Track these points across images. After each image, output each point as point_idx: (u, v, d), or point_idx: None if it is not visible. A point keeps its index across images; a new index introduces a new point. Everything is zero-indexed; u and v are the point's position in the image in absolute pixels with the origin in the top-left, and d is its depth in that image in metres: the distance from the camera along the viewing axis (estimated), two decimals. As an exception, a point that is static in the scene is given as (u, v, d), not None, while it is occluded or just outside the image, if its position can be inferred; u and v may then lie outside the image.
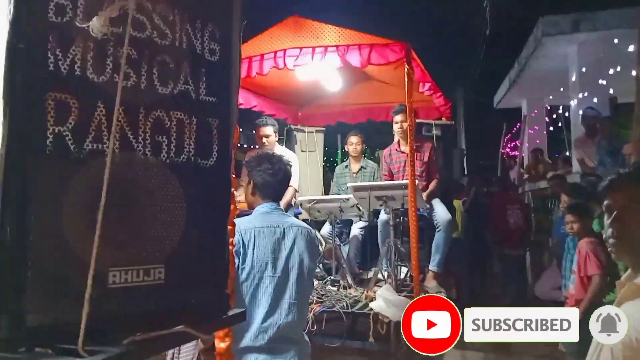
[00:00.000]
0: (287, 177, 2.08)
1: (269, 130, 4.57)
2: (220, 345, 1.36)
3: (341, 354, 4.34)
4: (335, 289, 4.01)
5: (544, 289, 5.18)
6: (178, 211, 0.95)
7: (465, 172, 13.86)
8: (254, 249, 1.84)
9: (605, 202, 1.28)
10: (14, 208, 0.77)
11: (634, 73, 5.47)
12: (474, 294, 6.34)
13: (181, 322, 0.91)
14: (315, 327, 3.65)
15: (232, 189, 1.48)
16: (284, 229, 1.97)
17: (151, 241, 0.91)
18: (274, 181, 2.02)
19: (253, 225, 1.87)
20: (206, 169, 1.00)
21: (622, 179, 1.26)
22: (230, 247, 1.34)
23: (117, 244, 0.87)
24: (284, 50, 3.70)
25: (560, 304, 4.47)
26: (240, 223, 1.85)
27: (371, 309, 3.52)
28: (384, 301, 3.39)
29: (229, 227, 1.22)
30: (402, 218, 4.17)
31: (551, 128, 10.20)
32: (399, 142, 4.68)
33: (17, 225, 0.77)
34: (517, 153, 10.84)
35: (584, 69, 6.71)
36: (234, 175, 1.37)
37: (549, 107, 10.04)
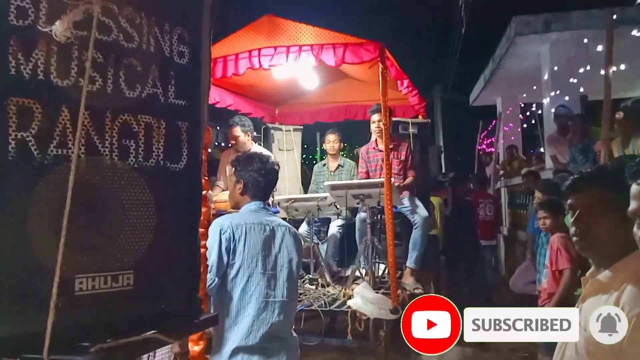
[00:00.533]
0: (276, 178, 2.10)
1: (236, 131, 4.55)
2: (195, 348, 1.36)
3: (320, 352, 4.35)
4: (313, 287, 4.02)
5: (518, 284, 5.28)
6: (147, 216, 0.94)
7: (443, 169, 14.05)
8: (244, 244, 1.84)
9: (569, 201, 1.32)
10: (-25, 216, 0.75)
11: (602, 72, 5.62)
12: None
13: (152, 328, 0.90)
14: (294, 326, 3.66)
15: (205, 192, 1.48)
16: (272, 227, 1.97)
17: (119, 247, 0.90)
18: (264, 181, 2.02)
19: (244, 222, 1.87)
20: (176, 172, 1.00)
21: (583, 180, 1.30)
22: (203, 250, 1.33)
23: (84, 251, 0.86)
24: (259, 50, 3.68)
25: (534, 298, 4.57)
26: (232, 219, 1.85)
27: (349, 307, 3.54)
28: (361, 299, 3.42)
29: (201, 231, 1.21)
30: (379, 216, 4.20)
31: (525, 125, 10.39)
32: (376, 140, 4.71)
33: (-22, 234, 0.75)
34: (492, 150, 11.01)
35: (555, 68, 6.85)
36: (206, 178, 1.36)
37: (522, 105, 10.23)
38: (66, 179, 0.82)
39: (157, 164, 0.96)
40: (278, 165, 2.12)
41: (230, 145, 5.36)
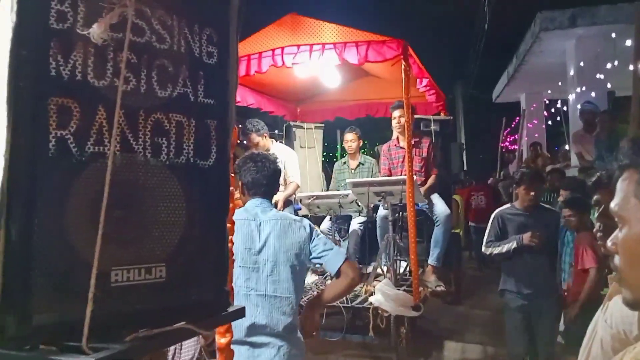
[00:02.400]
0: (276, 172, 2.13)
1: (253, 138, 4.64)
2: (221, 340, 1.39)
3: (341, 348, 4.38)
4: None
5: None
6: (178, 211, 0.98)
7: (465, 167, 13.91)
8: None
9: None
10: (19, 211, 0.79)
11: (631, 68, 5.49)
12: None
13: (182, 319, 0.94)
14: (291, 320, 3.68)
15: (232, 188, 1.51)
16: (260, 222, 2.00)
17: (152, 240, 0.93)
18: (260, 177, 2.07)
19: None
20: (205, 169, 1.03)
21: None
22: (230, 245, 1.36)
23: (119, 244, 0.89)
24: (282, 48, 3.71)
25: (560, 297, 4.51)
26: None
27: (371, 304, 3.55)
28: (383, 295, 3.43)
29: (229, 225, 1.25)
30: (400, 213, 4.20)
31: (550, 122, 10.23)
32: (397, 137, 4.71)
33: (22, 227, 0.79)
34: (516, 147, 10.85)
35: (581, 64, 6.72)
36: (232, 175, 1.39)
37: (547, 102, 10.07)
38: (102, 175, 0.85)
39: (187, 160, 0.99)
40: (277, 160, 2.16)
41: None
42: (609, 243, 0.82)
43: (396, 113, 4.47)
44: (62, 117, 0.84)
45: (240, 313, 1.10)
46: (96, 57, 0.88)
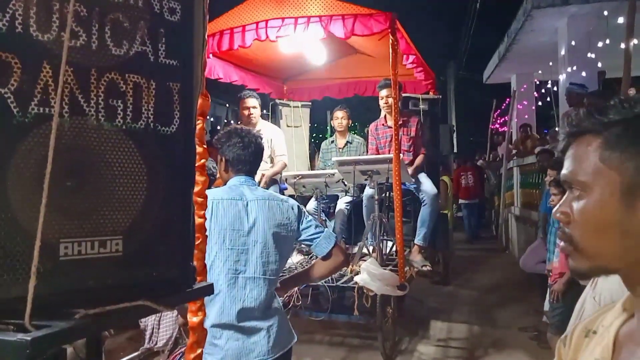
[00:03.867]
0: (260, 149, 2.03)
1: (253, 101, 4.49)
2: (193, 319, 1.32)
3: (326, 328, 4.38)
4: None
5: (529, 263, 5.23)
6: (137, 180, 0.90)
7: (455, 149, 13.90)
8: (210, 221, 1.79)
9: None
10: (-48, 176, 0.72)
11: (622, 46, 5.43)
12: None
13: (142, 296, 0.87)
14: (300, 301, 3.66)
15: (204, 160, 1.43)
16: (247, 202, 1.90)
17: (107, 212, 0.86)
18: (245, 154, 1.96)
19: (213, 197, 1.82)
20: (167, 135, 0.95)
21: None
22: (201, 220, 1.29)
23: (70, 215, 0.82)
24: (266, 21, 3.60)
25: (544, 277, 4.53)
26: (208, 194, 1.79)
27: (356, 283, 3.52)
28: (368, 275, 3.40)
29: (200, 200, 1.17)
30: (387, 193, 4.15)
31: (540, 103, 10.20)
32: (385, 117, 4.64)
33: (-44, 194, 0.72)
34: (506, 128, 10.85)
35: (573, 43, 6.66)
36: (204, 146, 1.32)
37: (538, 82, 10.03)
38: (49, 139, 0.77)
39: (146, 126, 0.91)
40: (260, 137, 2.06)
41: (238, 123, 5.30)
42: (557, 214, 0.77)
43: (383, 92, 4.39)
44: (1, 73, 0.76)
45: (208, 290, 1.04)
46: (39, 7, 0.79)
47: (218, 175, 2.39)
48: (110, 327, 0.79)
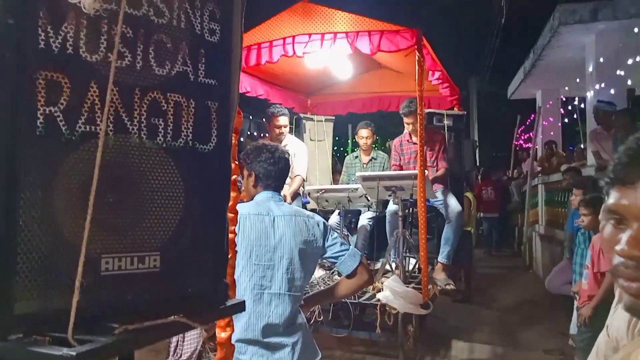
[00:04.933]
0: (288, 165, 2.05)
1: (284, 120, 4.54)
2: (222, 335, 1.34)
3: (348, 344, 4.33)
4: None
5: (554, 283, 5.12)
6: (175, 197, 0.92)
7: (477, 164, 13.77)
8: (238, 236, 1.80)
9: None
10: (3, 191, 0.74)
11: (653, 63, 5.33)
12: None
13: (177, 311, 0.88)
14: (322, 317, 3.64)
15: (236, 176, 1.45)
16: (274, 217, 1.91)
17: (146, 228, 0.88)
18: (275, 170, 1.98)
19: (241, 212, 1.83)
20: (205, 153, 0.97)
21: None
22: (232, 235, 1.31)
23: (111, 230, 0.84)
24: (293, 37, 3.64)
25: (570, 299, 4.42)
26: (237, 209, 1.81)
27: (378, 300, 3.49)
28: (391, 292, 3.36)
29: (230, 215, 1.19)
30: (411, 209, 4.12)
31: (566, 120, 10.03)
32: (409, 133, 4.63)
33: (6, 209, 0.74)
34: (530, 145, 10.70)
35: (601, 59, 6.55)
36: (236, 162, 1.34)
37: (564, 99, 9.86)
38: (94, 156, 0.79)
39: (185, 144, 0.93)
40: (287, 153, 2.08)
41: (265, 135, 5.34)
42: (617, 248, 0.71)
43: (408, 119, 4.37)
44: (51, 92, 0.78)
45: (240, 307, 1.05)
46: (89, 29, 0.82)
47: (243, 189, 2.42)
48: (149, 343, 0.80)
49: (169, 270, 0.89)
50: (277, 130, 4.56)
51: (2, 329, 0.73)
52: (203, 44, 0.97)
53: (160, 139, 0.90)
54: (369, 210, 4.65)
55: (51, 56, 0.78)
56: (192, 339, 2.22)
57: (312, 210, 4.46)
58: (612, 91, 6.39)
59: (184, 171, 0.93)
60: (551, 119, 9.81)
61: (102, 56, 0.83)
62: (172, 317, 0.85)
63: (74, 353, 0.67)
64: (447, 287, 4.12)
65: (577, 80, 7.75)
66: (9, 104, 0.75)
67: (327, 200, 4.42)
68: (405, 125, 4.47)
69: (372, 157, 5.10)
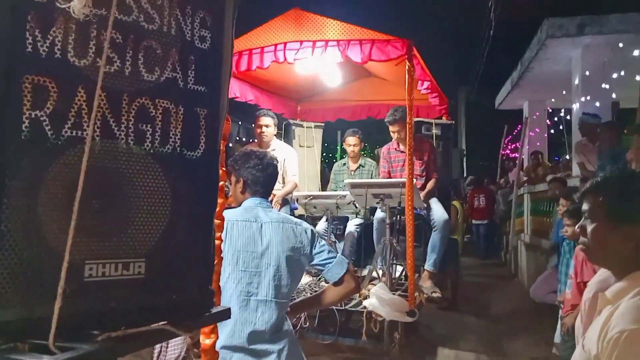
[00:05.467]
0: (276, 172, 2.05)
1: (267, 120, 4.54)
2: (206, 341, 1.33)
3: (333, 351, 4.32)
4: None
5: (539, 293, 5.16)
6: (161, 203, 0.92)
7: (465, 173, 13.88)
8: (225, 241, 1.80)
9: (582, 207, 1.29)
10: (-14, 195, 0.73)
11: (638, 78, 5.43)
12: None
13: (162, 318, 0.88)
14: (307, 324, 3.63)
15: (223, 182, 1.45)
16: (261, 224, 1.90)
17: (132, 234, 0.87)
18: (263, 176, 1.98)
19: (228, 218, 1.83)
20: (192, 160, 0.96)
21: (592, 186, 1.27)
22: (218, 242, 1.30)
23: (95, 236, 0.83)
24: (285, 44, 3.65)
25: (554, 307, 4.46)
26: (225, 214, 1.80)
27: (365, 307, 3.49)
28: (377, 300, 3.37)
29: (217, 221, 1.18)
30: (398, 216, 4.14)
31: (552, 131, 10.16)
32: (397, 141, 4.65)
33: (-12, 213, 0.73)
34: (517, 155, 10.82)
35: (587, 73, 6.66)
36: (223, 169, 1.33)
37: (550, 110, 10.00)
38: (80, 162, 0.79)
39: (173, 150, 0.93)
40: (276, 159, 2.09)
41: (253, 140, 5.34)
42: (576, 228, 1.26)
43: (393, 128, 4.38)
44: (37, 97, 0.78)
45: (225, 314, 1.04)
46: (77, 34, 0.81)
47: (231, 195, 2.40)
48: (132, 350, 0.79)
49: (154, 277, 0.89)
50: (259, 130, 4.58)
51: (-19, 336, 0.72)
52: (193, 50, 0.97)
53: (147, 145, 0.90)
54: (356, 217, 4.66)
55: (38, 60, 0.78)
56: (176, 346, 2.20)
57: (300, 216, 4.45)
58: (598, 104, 6.50)
59: (171, 177, 0.92)
60: (538, 130, 9.94)
61: (90, 61, 0.83)
62: (157, 324, 0.85)
63: (54, 361, 0.66)
64: (434, 294, 4.14)
65: (564, 92, 7.87)
66: (-6, 108, 0.74)
67: (315, 207, 4.42)
68: (391, 133, 4.48)
69: (360, 165, 5.12)
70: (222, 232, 1.43)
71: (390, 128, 4.42)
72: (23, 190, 0.76)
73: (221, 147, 1.18)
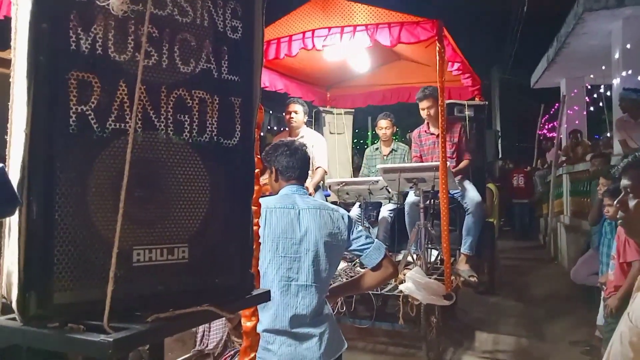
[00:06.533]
0: (306, 156, 2.08)
1: (296, 107, 4.59)
2: (247, 324, 1.37)
3: (370, 335, 4.36)
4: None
5: (580, 274, 5.03)
6: (201, 190, 0.95)
7: (500, 155, 13.60)
8: (264, 228, 1.84)
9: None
10: (40, 187, 0.78)
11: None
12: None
13: (205, 301, 0.91)
14: (344, 309, 3.67)
15: (257, 170, 1.48)
16: (299, 210, 1.94)
17: (175, 220, 0.91)
18: (293, 160, 2.02)
19: (266, 205, 1.87)
20: (229, 148, 0.99)
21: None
22: (256, 228, 1.33)
23: (141, 223, 0.87)
24: (313, 31, 3.65)
25: (596, 289, 4.34)
26: (261, 202, 1.84)
27: (401, 291, 3.50)
28: (413, 284, 3.37)
29: (254, 208, 1.21)
30: (432, 200, 4.10)
31: (591, 108, 9.80)
32: (428, 123, 4.60)
33: (43, 203, 0.78)
34: (554, 134, 10.50)
35: (628, 46, 6.38)
36: (258, 156, 1.36)
37: (589, 87, 9.63)
38: (124, 153, 0.83)
39: (210, 139, 0.96)
40: (305, 145, 2.12)
41: (284, 129, 5.39)
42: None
43: (423, 104, 4.33)
44: (82, 92, 0.82)
45: (265, 297, 1.08)
46: (117, 30, 0.85)
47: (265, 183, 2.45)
48: (179, 330, 0.83)
49: (197, 261, 0.93)
50: (287, 117, 4.69)
51: (43, 318, 0.77)
52: (226, 41, 1.00)
53: (186, 135, 0.93)
54: (389, 202, 4.64)
55: (82, 57, 0.82)
56: (217, 329, 2.27)
57: (333, 203, 4.47)
58: (639, 78, 6.23)
59: (209, 165, 0.96)
60: (576, 108, 9.60)
61: (129, 56, 0.86)
62: (202, 306, 0.89)
63: (111, 339, 0.70)
64: (471, 279, 4.10)
65: (603, 67, 7.57)
66: (44, 105, 0.78)
67: (347, 193, 4.43)
68: (421, 112, 4.43)
69: (393, 149, 5.08)
70: (258, 218, 1.47)
71: (420, 105, 4.37)
72: (73, 180, 0.81)
73: (255, 135, 1.21)
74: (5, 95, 0.90)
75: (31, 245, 0.77)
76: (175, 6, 0.92)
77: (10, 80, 0.87)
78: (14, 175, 0.79)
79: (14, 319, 0.80)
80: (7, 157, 0.86)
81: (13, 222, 0.81)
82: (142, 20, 0.86)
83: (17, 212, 0.77)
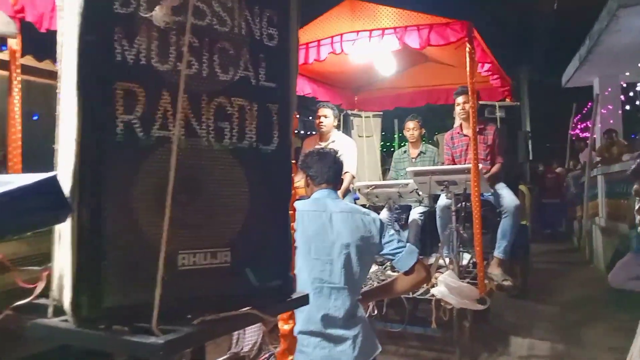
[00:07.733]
0: (337, 161, 2.11)
1: (325, 111, 4.61)
2: (284, 327, 1.38)
3: (402, 339, 4.32)
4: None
5: (618, 279, 4.88)
6: (241, 196, 0.97)
7: (531, 156, 13.34)
8: (297, 232, 1.86)
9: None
10: (90, 195, 0.81)
11: None
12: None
13: (247, 304, 0.93)
14: (376, 312, 3.65)
15: (294, 175, 1.49)
16: (331, 214, 1.96)
17: (217, 225, 0.93)
18: (323, 165, 2.06)
19: (299, 209, 1.89)
20: (267, 154, 1.01)
21: None
22: (292, 231, 1.35)
23: (185, 228, 0.89)
24: (341, 35, 3.66)
25: (637, 294, 4.20)
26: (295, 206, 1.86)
27: (433, 295, 3.46)
28: (446, 287, 3.33)
29: (290, 212, 1.23)
30: (464, 203, 4.05)
31: (627, 107, 9.50)
32: (461, 125, 4.55)
33: (93, 210, 0.81)
34: (587, 135, 10.23)
35: (665, 41, 6.17)
36: (293, 161, 1.37)
37: (624, 85, 9.34)
38: (168, 160, 0.85)
39: (250, 145, 0.98)
40: (335, 151, 2.15)
41: (312, 132, 5.41)
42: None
43: (460, 99, 4.31)
44: (128, 101, 0.85)
45: (304, 300, 1.09)
46: (159, 41, 0.88)
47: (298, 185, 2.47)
48: (223, 333, 0.85)
49: (239, 265, 0.94)
50: (317, 121, 4.73)
51: (94, 320, 0.80)
52: (263, 48, 1.02)
53: (227, 141, 0.95)
54: (419, 205, 4.60)
55: (127, 68, 0.85)
56: (252, 332, 2.29)
57: (362, 206, 4.46)
58: (678, 74, 6.01)
59: (249, 171, 0.97)
60: (610, 107, 9.32)
61: (172, 65, 0.89)
62: (245, 309, 0.90)
63: (162, 341, 0.72)
64: (504, 282, 4.03)
65: (639, 65, 7.34)
66: (92, 115, 0.81)
67: (377, 196, 4.42)
68: (456, 107, 4.40)
69: (421, 151, 5.04)
70: (293, 222, 1.48)
71: (457, 100, 4.35)
72: (120, 187, 0.83)
73: (292, 140, 1.23)
74: (47, 103, 0.93)
75: (82, 251, 0.80)
76: (214, 16, 0.95)
77: (58, 91, 0.90)
78: (65, 183, 0.82)
79: (65, 320, 0.82)
80: (55, 164, 0.89)
81: (63, 228, 0.84)
82: (183, 30, 0.89)
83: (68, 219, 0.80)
